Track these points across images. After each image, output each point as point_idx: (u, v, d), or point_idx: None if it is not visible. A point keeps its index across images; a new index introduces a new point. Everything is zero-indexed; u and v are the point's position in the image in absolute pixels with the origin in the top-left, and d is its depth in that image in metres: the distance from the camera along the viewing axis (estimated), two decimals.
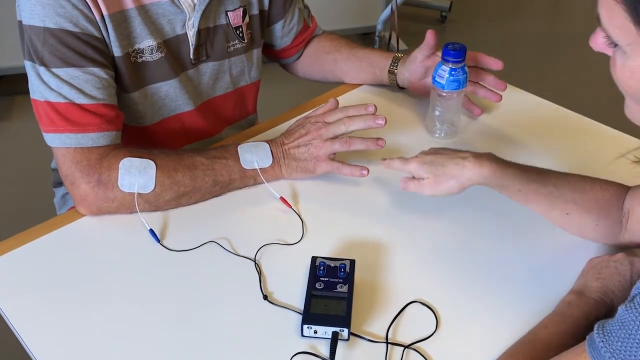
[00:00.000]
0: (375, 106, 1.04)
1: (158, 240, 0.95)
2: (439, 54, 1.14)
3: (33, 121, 1.00)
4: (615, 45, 0.61)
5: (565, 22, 3.88)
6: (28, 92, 1.00)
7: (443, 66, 1.12)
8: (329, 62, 1.36)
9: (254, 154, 1.05)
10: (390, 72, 1.28)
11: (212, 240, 0.95)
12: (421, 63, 1.21)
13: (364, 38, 3.36)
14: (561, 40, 3.55)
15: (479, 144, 1.17)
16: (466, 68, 1.13)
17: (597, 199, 0.89)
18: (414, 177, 0.95)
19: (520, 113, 1.28)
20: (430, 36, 1.16)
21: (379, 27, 2.98)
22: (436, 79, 1.13)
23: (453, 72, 1.11)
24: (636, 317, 0.59)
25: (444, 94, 1.14)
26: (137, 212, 0.97)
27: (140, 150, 1.01)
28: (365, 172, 1.05)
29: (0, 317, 0.86)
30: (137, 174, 0.97)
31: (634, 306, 0.60)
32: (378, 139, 1.04)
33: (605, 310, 0.79)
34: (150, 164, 0.98)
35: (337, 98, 1.11)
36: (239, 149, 1.05)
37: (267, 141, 1.07)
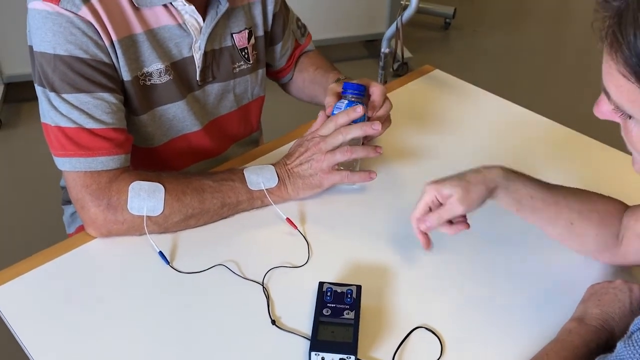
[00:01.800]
0: (363, 107, 1.06)
1: (168, 262, 0.97)
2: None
3: (40, 128, 1.02)
4: (630, 116, 0.61)
5: (570, 29, 3.89)
6: (36, 99, 1.02)
7: (342, 100, 1.12)
8: (300, 81, 1.37)
9: (259, 175, 1.06)
10: None
11: (221, 264, 0.97)
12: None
13: (369, 46, 3.37)
14: (565, 47, 3.55)
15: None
16: (364, 107, 1.09)
17: (599, 209, 0.93)
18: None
19: (516, 129, 1.29)
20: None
21: (385, 43, 2.94)
22: (334, 113, 1.10)
23: (350, 106, 1.09)
24: (633, 355, 0.62)
25: None
26: (146, 234, 0.99)
27: (149, 174, 1.02)
28: (373, 175, 1.08)
29: (14, 340, 0.88)
30: (146, 197, 0.99)
31: (631, 343, 0.63)
32: (377, 146, 1.07)
33: (606, 337, 0.80)
34: (159, 187, 1.00)
35: None
36: (244, 171, 1.06)
37: (271, 164, 1.09)
